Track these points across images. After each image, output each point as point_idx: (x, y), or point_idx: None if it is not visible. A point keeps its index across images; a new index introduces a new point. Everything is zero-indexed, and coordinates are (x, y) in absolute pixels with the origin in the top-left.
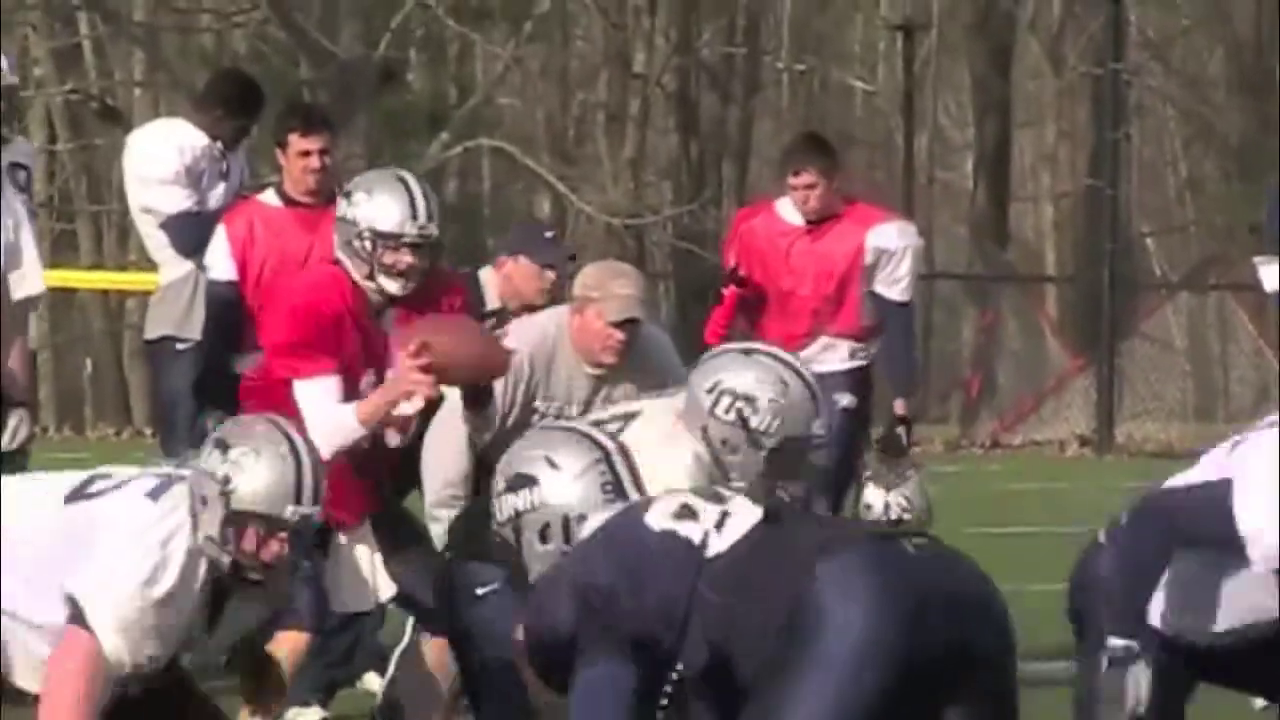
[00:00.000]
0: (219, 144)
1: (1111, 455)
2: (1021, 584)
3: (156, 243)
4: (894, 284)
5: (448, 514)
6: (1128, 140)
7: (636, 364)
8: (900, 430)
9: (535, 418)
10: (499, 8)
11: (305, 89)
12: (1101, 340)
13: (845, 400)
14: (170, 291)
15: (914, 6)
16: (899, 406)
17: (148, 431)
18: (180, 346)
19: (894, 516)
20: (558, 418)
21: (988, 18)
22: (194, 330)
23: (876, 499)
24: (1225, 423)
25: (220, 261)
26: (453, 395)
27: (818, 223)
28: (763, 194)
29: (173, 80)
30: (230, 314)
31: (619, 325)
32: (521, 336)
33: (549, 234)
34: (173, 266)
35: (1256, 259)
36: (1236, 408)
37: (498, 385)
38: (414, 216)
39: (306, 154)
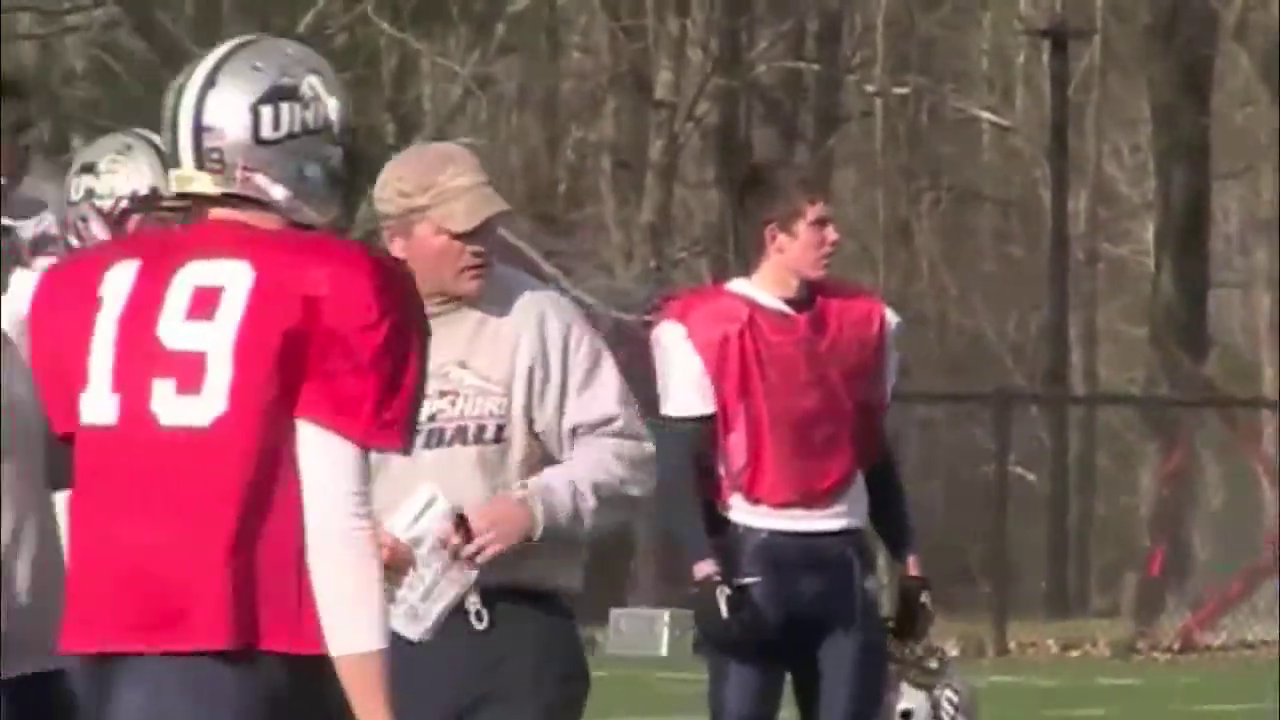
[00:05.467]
0: None
1: None
2: None
3: None
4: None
5: None
6: None
7: (496, 314)
8: (924, 598)
9: None
10: (456, 3)
11: None
12: None
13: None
14: None
15: (1068, 2)
16: (912, 564)
17: None
18: None
19: None
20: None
21: (1176, 19)
22: None
23: (918, 702)
24: None
25: None
26: None
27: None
28: (841, 274)
29: None
30: None
31: (471, 235)
32: None
33: None
34: None
35: None
36: None
37: None
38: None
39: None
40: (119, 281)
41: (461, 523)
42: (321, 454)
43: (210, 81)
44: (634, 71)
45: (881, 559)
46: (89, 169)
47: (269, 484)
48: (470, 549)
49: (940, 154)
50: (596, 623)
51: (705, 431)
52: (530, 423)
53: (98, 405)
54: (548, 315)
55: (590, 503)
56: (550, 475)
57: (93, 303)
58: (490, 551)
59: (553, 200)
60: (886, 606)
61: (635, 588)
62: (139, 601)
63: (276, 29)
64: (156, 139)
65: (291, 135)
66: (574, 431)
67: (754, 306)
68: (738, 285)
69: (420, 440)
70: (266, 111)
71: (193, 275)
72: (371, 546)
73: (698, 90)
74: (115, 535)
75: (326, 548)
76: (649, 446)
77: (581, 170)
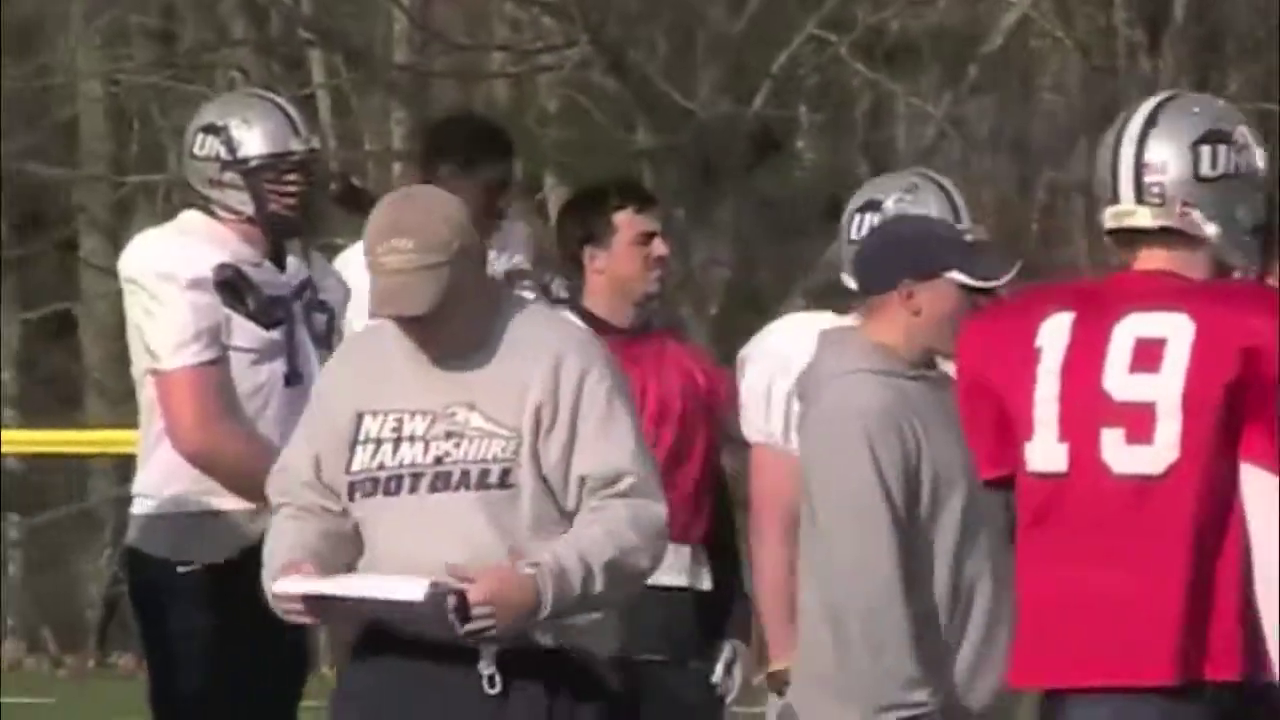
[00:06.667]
0: None
1: None
2: None
3: None
4: None
5: None
6: None
7: (509, 354)
8: None
9: (363, 451)
10: (928, 45)
11: (645, 162)
12: None
13: None
14: None
15: None
16: None
17: None
18: None
19: None
20: (399, 439)
21: None
22: None
23: None
24: None
25: None
26: None
27: None
28: None
29: None
30: None
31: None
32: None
33: None
34: None
35: None
36: None
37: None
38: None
39: (648, 237)
40: (1056, 333)
41: (459, 599)
42: (1266, 497)
43: (1151, 122)
44: (1106, 111)
45: None
46: (873, 207)
47: (1217, 526)
48: (467, 628)
49: None
50: None
51: None
52: (538, 466)
53: (1046, 454)
54: (566, 355)
55: (598, 585)
56: (564, 553)
57: (1031, 352)
58: (485, 631)
59: (1027, 239)
60: None
61: None
62: (1092, 639)
63: (751, 70)
64: (939, 178)
65: (1226, 176)
66: (582, 481)
67: None
68: None
69: (425, 484)
70: (1205, 151)
71: (1132, 327)
72: None
73: None
74: (1067, 577)
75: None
76: (661, 510)
77: (1055, 210)
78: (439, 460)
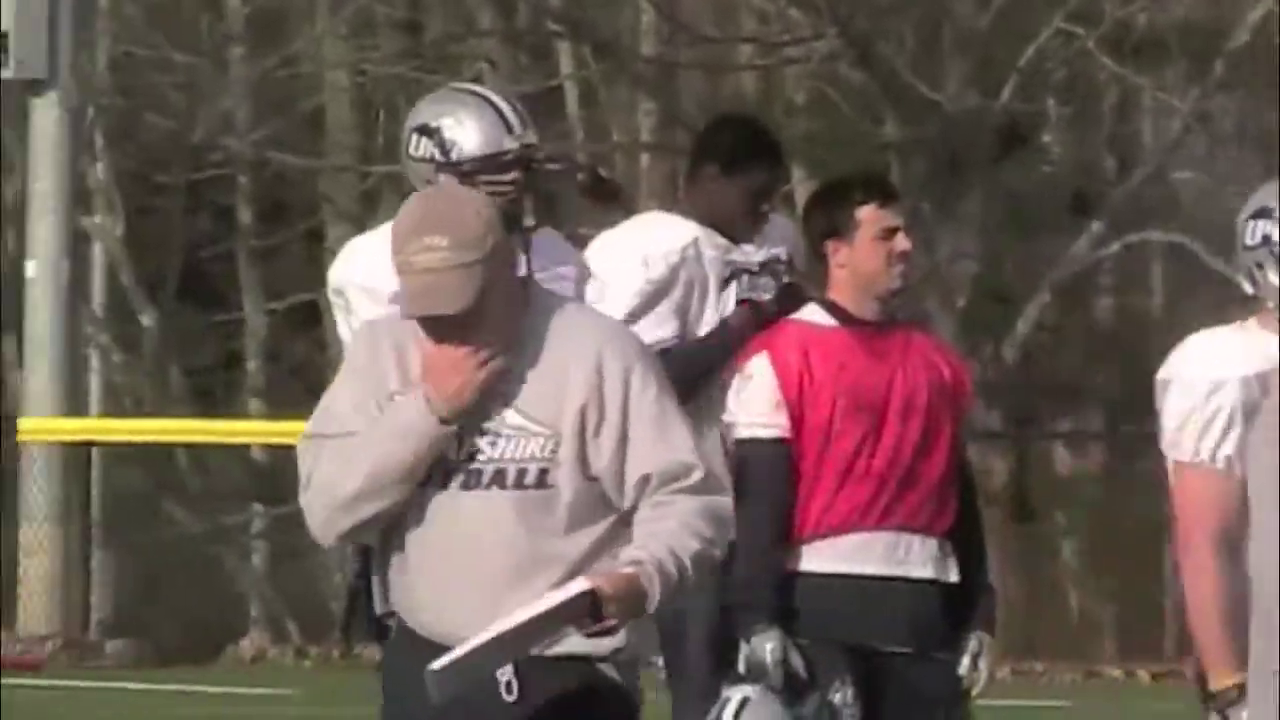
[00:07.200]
0: (718, 235)
1: None
2: None
3: None
4: None
5: None
6: None
7: (545, 349)
8: None
9: None
10: (1175, 40)
11: (892, 155)
12: None
13: None
14: None
15: None
16: None
17: None
18: None
19: None
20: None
21: None
22: None
23: None
24: None
25: (761, 409)
26: None
27: None
28: None
29: None
30: (778, 492)
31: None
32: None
33: None
34: None
35: None
36: None
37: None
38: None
39: (890, 233)
40: None
41: (593, 600)
42: None
43: None
44: None
45: None
46: (1265, 214)
47: None
48: (597, 628)
49: None
50: None
51: None
52: (584, 466)
53: None
54: (606, 352)
55: (690, 575)
56: (656, 549)
57: None
58: (611, 630)
59: None
60: None
61: None
62: None
63: (998, 63)
64: None
65: None
66: (645, 480)
67: None
68: None
69: (457, 482)
70: None
71: None
72: None
73: None
74: None
75: None
76: (728, 501)
77: None
78: (471, 457)
